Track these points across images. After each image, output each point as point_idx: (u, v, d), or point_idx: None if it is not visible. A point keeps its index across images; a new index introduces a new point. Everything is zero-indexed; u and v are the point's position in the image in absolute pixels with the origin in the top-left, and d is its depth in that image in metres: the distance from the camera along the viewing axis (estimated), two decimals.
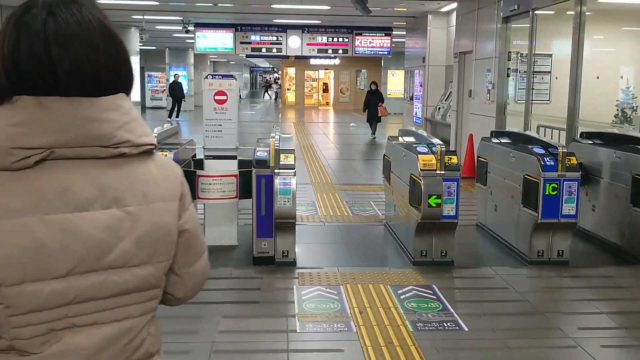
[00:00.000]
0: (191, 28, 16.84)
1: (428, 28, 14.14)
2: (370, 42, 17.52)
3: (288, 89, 35.69)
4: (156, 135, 5.33)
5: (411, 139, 6.18)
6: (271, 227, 5.23)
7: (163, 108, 27.78)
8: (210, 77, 5.80)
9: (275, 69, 52.54)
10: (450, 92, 13.59)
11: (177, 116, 22.40)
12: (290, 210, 5.04)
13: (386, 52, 17.88)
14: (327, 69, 34.81)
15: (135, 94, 18.97)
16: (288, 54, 17.81)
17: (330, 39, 17.44)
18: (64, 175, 1.09)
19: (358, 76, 34.64)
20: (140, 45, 19.96)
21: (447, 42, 13.93)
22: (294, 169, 5.15)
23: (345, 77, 34.47)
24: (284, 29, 17.08)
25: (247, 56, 18.55)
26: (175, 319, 3.78)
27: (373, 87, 17.82)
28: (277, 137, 5.64)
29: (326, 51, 17.66)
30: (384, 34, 17.40)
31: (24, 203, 1.06)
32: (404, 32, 17.05)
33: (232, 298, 4.60)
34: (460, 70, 11.70)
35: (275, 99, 44.03)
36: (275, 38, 17.28)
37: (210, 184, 5.45)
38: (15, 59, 1.08)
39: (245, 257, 5.50)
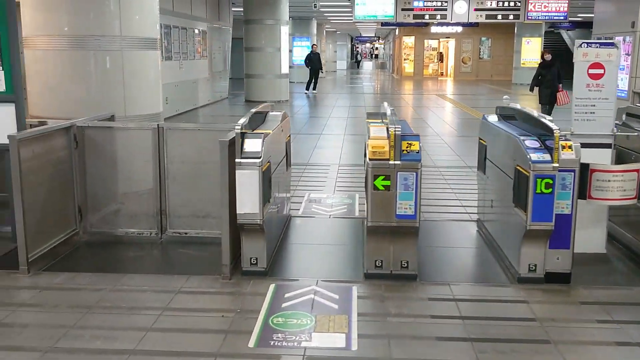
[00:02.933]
0: None
1: None
2: (545, 7, 15.88)
3: (405, 60, 34.15)
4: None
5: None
6: None
7: None
8: (586, 45, 4.64)
9: (379, 38, 50.83)
10: None
11: (314, 88, 21.49)
12: None
13: (562, 17, 16.24)
14: (448, 37, 33.04)
15: (285, 65, 18.10)
16: (453, 21, 16.43)
17: (501, 3, 15.92)
18: None
19: (481, 45, 32.72)
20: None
21: None
22: None
23: (467, 46, 32.63)
24: None
25: (393, 24, 17.36)
26: None
27: (547, 57, 12.67)
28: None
29: (495, 17, 16.15)
30: None
31: None
32: None
33: None
34: None
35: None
36: (439, 4, 15.94)
37: (609, 180, 4.32)
38: None
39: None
